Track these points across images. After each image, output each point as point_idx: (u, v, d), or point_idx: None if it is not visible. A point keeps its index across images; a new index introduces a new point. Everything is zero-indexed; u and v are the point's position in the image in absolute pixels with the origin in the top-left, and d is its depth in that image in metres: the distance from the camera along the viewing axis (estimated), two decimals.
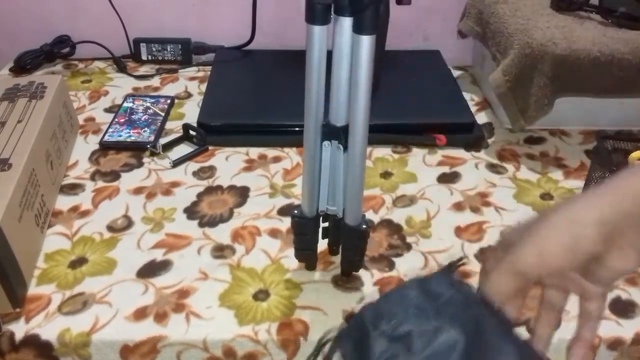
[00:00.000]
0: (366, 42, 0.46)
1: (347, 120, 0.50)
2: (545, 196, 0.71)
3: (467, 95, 0.90)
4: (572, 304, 0.57)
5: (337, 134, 0.51)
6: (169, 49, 1.01)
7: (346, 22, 0.47)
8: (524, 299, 0.44)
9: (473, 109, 0.88)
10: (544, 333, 0.45)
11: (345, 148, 0.51)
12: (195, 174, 0.75)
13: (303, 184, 0.54)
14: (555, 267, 0.40)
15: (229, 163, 0.77)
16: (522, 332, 0.54)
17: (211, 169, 0.76)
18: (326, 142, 0.52)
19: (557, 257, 0.39)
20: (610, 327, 0.55)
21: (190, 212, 0.68)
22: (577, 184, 0.73)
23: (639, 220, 0.38)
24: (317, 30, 0.48)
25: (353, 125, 0.49)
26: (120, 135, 0.80)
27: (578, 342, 0.44)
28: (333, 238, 0.60)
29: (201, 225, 0.66)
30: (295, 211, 0.56)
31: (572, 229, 0.38)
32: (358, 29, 0.46)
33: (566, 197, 0.40)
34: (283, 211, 0.68)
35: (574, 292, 0.43)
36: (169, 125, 0.84)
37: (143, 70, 1.00)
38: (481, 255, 0.58)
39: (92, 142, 0.80)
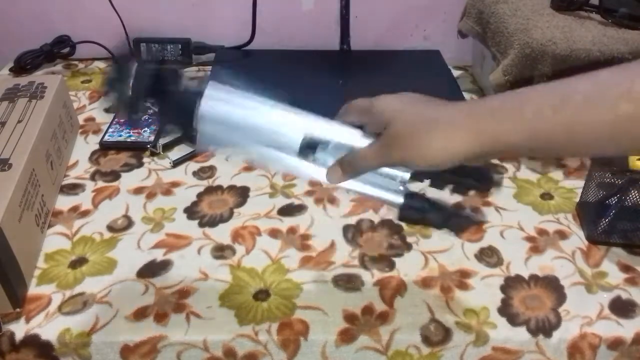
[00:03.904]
0: None
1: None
2: (545, 196, 0.71)
3: (467, 95, 0.90)
4: (572, 304, 0.57)
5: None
6: (169, 49, 1.01)
7: None
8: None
9: None
10: None
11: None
12: (195, 174, 0.75)
13: None
14: (411, 168, 0.46)
15: (229, 163, 0.77)
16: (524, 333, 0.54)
17: (211, 169, 0.76)
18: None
19: (417, 167, 0.45)
20: (611, 327, 0.55)
21: (191, 212, 0.68)
22: (577, 183, 0.73)
23: (498, 154, 0.45)
24: None
25: None
26: (120, 135, 0.80)
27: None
28: None
29: (201, 225, 0.66)
30: None
31: (440, 155, 0.42)
32: None
33: (444, 108, 0.44)
34: (283, 211, 0.68)
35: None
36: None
37: None
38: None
39: (92, 142, 0.80)
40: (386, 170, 0.48)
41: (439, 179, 0.49)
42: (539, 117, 0.40)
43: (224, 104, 0.51)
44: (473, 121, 0.42)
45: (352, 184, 0.49)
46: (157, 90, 0.49)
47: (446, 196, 0.49)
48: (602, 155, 0.48)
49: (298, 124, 0.51)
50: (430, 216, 0.47)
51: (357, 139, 0.48)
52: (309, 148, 0.50)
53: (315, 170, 0.49)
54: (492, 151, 0.42)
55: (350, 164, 0.47)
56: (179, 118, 0.50)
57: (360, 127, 0.49)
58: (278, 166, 0.52)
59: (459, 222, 0.50)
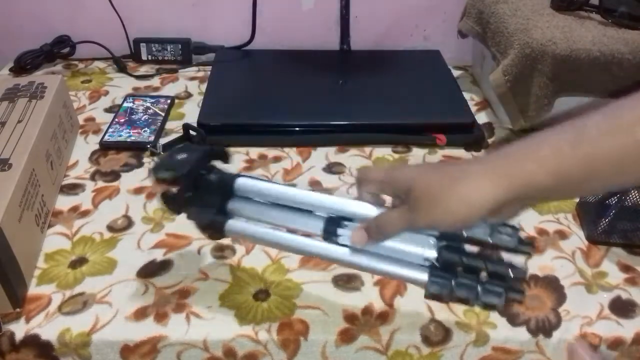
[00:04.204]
0: None
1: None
2: None
3: (467, 95, 0.90)
4: (572, 304, 0.57)
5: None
6: (169, 49, 1.01)
7: None
8: None
9: (473, 109, 0.88)
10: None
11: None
12: None
13: None
14: (440, 229, 0.46)
15: (228, 163, 0.77)
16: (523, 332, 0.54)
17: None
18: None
19: (447, 228, 0.45)
20: (611, 327, 0.55)
21: None
22: None
23: (524, 200, 0.43)
24: None
25: None
26: (120, 135, 0.80)
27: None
28: None
29: None
30: None
31: (465, 210, 0.42)
32: None
33: (461, 164, 0.45)
34: None
35: None
36: (169, 125, 0.84)
37: (143, 70, 1.00)
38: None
39: (92, 142, 0.80)
40: (411, 247, 0.48)
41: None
42: (558, 154, 0.40)
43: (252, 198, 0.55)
44: (493, 168, 0.42)
45: (375, 263, 0.49)
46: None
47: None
48: (628, 185, 0.48)
49: (319, 207, 0.52)
50: (459, 292, 0.46)
51: (372, 212, 0.48)
52: (332, 229, 0.50)
53: (341, 252, 0.50)
54: (516, 196, 0.41)
55: (376, 229, 0.47)
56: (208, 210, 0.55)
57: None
58: (305, 253, 0.53)
59: (490, 296, 0.47)
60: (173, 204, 0.56)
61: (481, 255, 0.48)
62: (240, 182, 0.54)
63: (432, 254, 0.47)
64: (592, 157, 0.39)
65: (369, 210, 0.49)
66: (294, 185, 0.54)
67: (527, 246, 0.46)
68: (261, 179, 0.54)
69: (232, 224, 0.54)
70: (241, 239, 0.57)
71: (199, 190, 0.54)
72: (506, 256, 0.48)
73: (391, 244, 0.48)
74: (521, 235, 0.46)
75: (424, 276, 0.47)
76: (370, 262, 0.49)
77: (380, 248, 0.49)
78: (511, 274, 0.47)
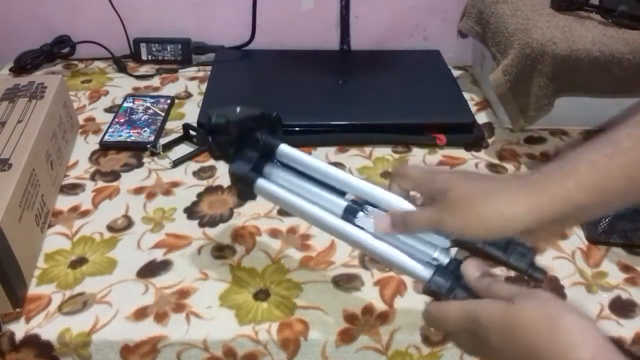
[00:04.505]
0: None
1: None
2: None
3: (467, 95, 0.90)
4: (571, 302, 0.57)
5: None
6: (169, 49, 1.01)
7: None
8: None
9: (473, 109, 0.88)
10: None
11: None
12: (195, 174, 0.75)
13: None
14: (467, 237, 0.44)
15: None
16: None
17: (211, 169, 0.76)
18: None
19: (474, 237, 0.43)
20: (611, 327, 0.55)
21: (190, 212, 0.68)
22: None
23: (564, 222, 0.42)
24: None
25: None
26: (120, 135, 0.80)
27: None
28: None
29: (201, 225, 0.66)
30: None
31: (499, 223, 0.41)
32: None
33: (505, 179, 0.46)
34: (283, 211, 0.68)
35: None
36: (169, 125, 0.84)
37: (143, 70, 1.00)
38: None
39: (92, 142, 0.80)
40: (423, 244, 0.48)
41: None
42: (595, 169, 0.40)
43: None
44: (533, 185, 0.41)
45: (384, 248, 0.49)
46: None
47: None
48: None
49: (350, 187, 0.53)
50: (456, 295, 0.45)
51: (401, 205, 0.49)
52: (353, 210, 0.51)
53: (356, 233, 0.50)
54: (554, 216, 0.41)
55: (402, 221, 0.47)
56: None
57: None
58: (321, 226, 0.53)
59: None
60: (217, 149, 0.58)
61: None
62: (283, 148, 0.56)
63: (443, 256, 0.47)
64: (628, 166, 0.40)
65: (397, 201, 0.49)
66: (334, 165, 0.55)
67: (539, 272, 0.45)
68: (303, 153, 0.55)
69: (263, 182, 0.55)
70: (267, 198, 0.57)
71: (244, 144, 0.56)
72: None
73: (406, 238, 0.48)
74: (535, 259, 0.45)
75: (428, 273, 0.46)
76: (379, 248, 0.49)
77: (393, 239, 0.49)
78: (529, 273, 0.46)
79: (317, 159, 0.54)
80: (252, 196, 0.57)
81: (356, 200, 0.52)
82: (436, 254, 0.47)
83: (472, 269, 0.44)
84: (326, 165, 0.54)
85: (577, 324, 0.36)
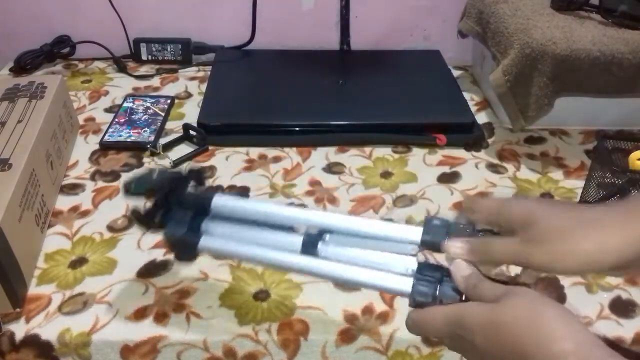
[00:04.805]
0: None
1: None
2: (546, 196, 0.71)
3: (467, 95, 0.90)
4: (572, 304, 0.57)
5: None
6: (169, 49, 1.01)
7: None
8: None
9: (473, 108, 0.88)
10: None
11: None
12: None
13: None
14: (555, 273, 0.41)
15: (229, 163, 0.77)
16: None
17: (211, 169, 0.76)
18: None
19: (566, 272, 0.42)
20: (611, 327, 0.55)
21: None
22: (577, 183, 0.73)
23: None
24: None
25: None
26: (120, 135, 0.80)
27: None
28: None
29: None
30: None
31: (595, 257, 0.39)
32: None
33: (597, 209, 0.42)
34: None
35: (528, 279, 0.47)
36: (169, 125, 0.84)
37: (143, 70, 1.00)
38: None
39: (92, 142, 0.80)
40: (393, 258, 0.47)
41: None
42: None
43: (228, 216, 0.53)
44: (624, 214, 0.39)
45: (358, 273, 0.47)
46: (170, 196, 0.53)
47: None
48: None
49: (298, 220, 0.50)
50: (442, 299, 0.43)
51: (358, 225, 0.48)
52: (310, 244, 0.49)
53: (321, 265, 0.48)
54: None
55: (484, 250, 0.44)
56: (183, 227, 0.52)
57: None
58: (284, 268, 0.52)
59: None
60: (143, 219, 0.55)
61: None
62: (217, 199, 0.53)
63: (413, 263, 0.46)
64: None
65: (352, 221, 0.48)
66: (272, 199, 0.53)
67: (529, 276, 0.46)
68: (238, 196, 0.53)
69: (206, 240, 0.52)
70: (215, 256, 0.56)
71: (172, 206, 0.53)
72: None
73: (373, 254, 0.47)
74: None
75: (408, 285, 0.44)
76: (354, 274, 0.47)
77: (360, 259, 0.48)
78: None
79: (256, 201, 0.53)
80: (193, 257, 0.55)
81: (310, 233, 0.49)
82: (408, 263, 0.46)
83: (461, 268, 0.43)
84: (267, 204, 0.51)
85: (560, 316, 0.35)
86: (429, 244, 0.46)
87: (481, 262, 0.45)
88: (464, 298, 0.42)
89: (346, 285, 0.54)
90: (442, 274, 0.44)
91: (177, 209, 0.53)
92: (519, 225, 0.42)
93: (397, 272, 0.46)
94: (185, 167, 0.56)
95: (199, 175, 0.56)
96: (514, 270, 0.47)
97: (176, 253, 0.56)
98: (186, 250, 0.54)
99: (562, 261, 0.39)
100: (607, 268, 0.39)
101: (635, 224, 0.38)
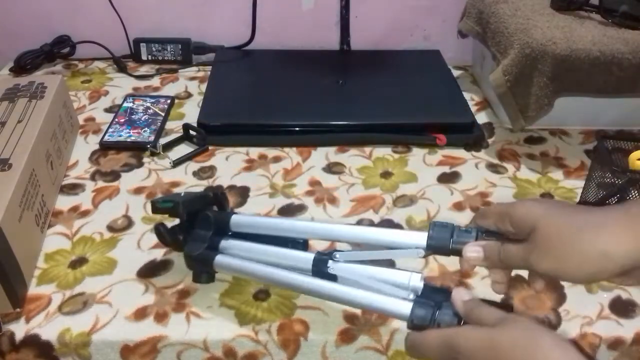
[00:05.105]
0: None
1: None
2: (546, 196, 0.71)
3: (467, 95, 0.90)
4: (572, 304, 0.57)
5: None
6: (169, 49, 1.01)
7: None
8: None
9: (473, 108, 0.88)
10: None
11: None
12: (195, 173, 0.75)
13: None
14: (559, 279, 0.42)
15: (229, 163, 0.77)
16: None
17: (211, 169, 0.76)
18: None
19: (571, 278, 0.41)
20: (611, 327, 0.55)
21: None
22: (577, 183, 0.73)
23: None
24: None
25: None
26: (120, 135, 0.80)
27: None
28: None
29: None
30: None
31: (600, 262, 0.38)
32: None
33: (599, 213, 0.41)
34: (283, 211, 0.68)
35: (537, 286, 0.46)
36: (169, 125, 0.84)
37: (143, 70, 1.00)
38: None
39: (92, 142, 0.80)
40: (394, 278, 0.48)
41: None
42: None
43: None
44: (628, 218, 0.38)
45: (360, 294, 0.49)
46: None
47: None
48: None
49: (307, 233, 0.54)
50: (440, 322, 0.44)
51: (364, 233, 0.50)
52: (321, 262, 0.51)
53: (326, 287, 0.50)
54: None
55: (497, 255, 0.44)
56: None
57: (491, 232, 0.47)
58: (297, 289, 0.54)
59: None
60: (166, 237, 0.58)
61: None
62: (236, 218, 0.56)
63: (418, 282, 0.48)
64: None
65: (358, 232, 0.51)
66: (288, 216, 0.58)
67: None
68: (256, 216, 0.56)
69: (222, 258, 0.55)
70: (229, 272, 0.58)
71: (194, 225, 0.57)
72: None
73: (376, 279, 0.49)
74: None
75: (407, 308, 0.45)
76: (356, 295, 0.49)
77: (366, 282, 0.49)
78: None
79: (272, 217, 0.56)
80: (211, 278, 0.57)
81: (322, 252, 0.52)
82: (411, 295, 0.47)
83: (461, 293, 0.43)
84: (282, 219, 0.55)
85: (557, 346, 0.36)
86: (435, 248, 0.47)
87: (495, 267, 0.45)
88: (462, 323, 0.43)
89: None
90: (443, 297, 0.45)
91: (198, 229, 0.57)
92: (523, 230, 0.42)
93: (398, 295, 0.47)
94: (209, 191, 0.61)
95: (221, 198, 0.60)
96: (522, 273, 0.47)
97: (193, 273, 0.58)
98: (203, 268, 0.57)
99: (566, 268, 0.39)
100: (612, 274, 0.38)
101: (636, 227, 0.38)
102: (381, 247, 0.50)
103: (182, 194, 0.58)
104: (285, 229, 0.55)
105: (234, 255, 0.56)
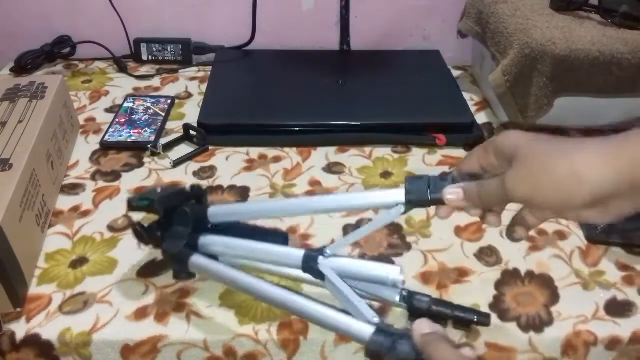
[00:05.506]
0: None
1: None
2: None
3: (467, 95, 0.90)
4: (569, 302, 0.57)
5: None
6: (169, 49, 1.01)
7: None
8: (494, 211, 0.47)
9: (473, 109, 0.88)
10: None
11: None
12: (195, 174, 0.75)
13: None
14: (539, 208, 0.42)
15: (229, 163, 0.77)
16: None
17: (211, 169, 0.76)
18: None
19: (547, 205, 0.40)
20: (609, 327, 0.55)
21: None
22: None
23: (636, 189, 0.38)
24: None
25: None
26: (120, 135, 0.80)
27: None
28: None
29: None
30: None
31: (572, 184, 0.38)
32: None
33: (581, 139, 0.41)
34: None
35: (534, 213, 0.46)
36: (169, 125, 0.84)
37: (143, 70, 1.00)
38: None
39: (93, 142, 0.80)
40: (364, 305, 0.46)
41: (438, 317, 0.48)
42: None
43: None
44: (610, 147, 0.38)
45: (325, 312, 0.47)
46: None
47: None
48: None
49: (292, 210, 0.54)
50: (399, 353, 0.42)
51: (343, 200, 0.50)
52: (311, 258, 0.50)
53: (297, 300, 0.49)
54: (630, 179, 0.37)
55: (476, 193, 0.44)
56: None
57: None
58: (265, 297, 0.52)
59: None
60: (143, 235, 0.57)
61: (448, 303, 0.48)
62: (212, 209, 0.56)
63: (398, 276, 0.48)
64: None
65: (337, 199, 0.51)
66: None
67: (485, 317, 0.47)
68: (233, 203, 0.54)
69: (198, 258, 0.54)
70: (206, 273, 0.56)
71: (172, 222, 0.56)
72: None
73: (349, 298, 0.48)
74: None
75: (369, 332, 0.44)
76: (320, 312, 0.47)
77: (352, 276, 0.48)
78: (475, 319, 0.48)
79: (247, 202, 0.55)
80: (190, 275, 0.56)
81: (311, 248, 0.51)
82: (375, 318, 0.45)
83: (422, 326, 0.42)
84: (257, 202, 0.53)
85: None
86: (414, 202, 0.47)
87: (475, 206, 0.46)
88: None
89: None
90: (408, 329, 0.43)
91: (177, 225, 0.56)
92: (505, 159, 0.42)
93: (364, 318, 0.45)
94: (187, 185, 0.59)
95: (199, 193, 0.58)
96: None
97: (173, 270, 0.57)
98: (180, 267, 0.56)
99: (540, 192, 0.39)
100: (585, 200, 0.38)
101: (616, 154, 0.37)
102: (361, 210, 0.50)
103: (159, 190, 0.57)
104: (262, 210, 0.54)
105: (215, 252, 0.55)
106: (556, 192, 0.38)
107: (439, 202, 0.46)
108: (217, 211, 0.56)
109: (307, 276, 0.51)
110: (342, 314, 0.46)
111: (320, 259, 0.49)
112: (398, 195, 0.47)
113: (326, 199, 0.52)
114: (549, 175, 0.38)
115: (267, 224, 0.66)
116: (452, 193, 0.45)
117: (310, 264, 0.50)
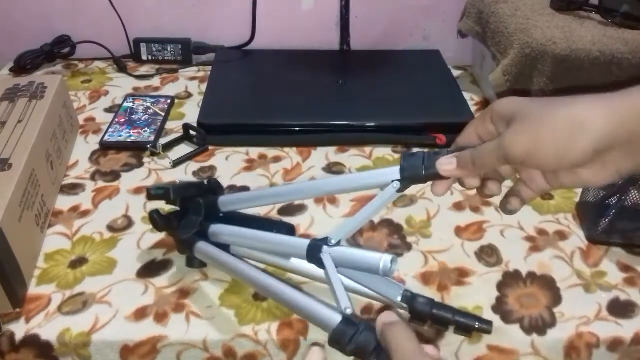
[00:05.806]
0: None
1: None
2: (545, 196, 0.71)
3: (467, 95, 0.90)
4: (571, 304, 0.57)
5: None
6: (169, 49, 1.01)
7: None
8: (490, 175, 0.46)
9: (473, 108, 0.88)
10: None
11: None
12: (195, 173, 0.75)
13: None
14: (537, 166, 0.41)
15: (229, 163, 0.77)
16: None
17: (211, 169, 0.76)
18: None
19: (545, 160, 0.39)
20: (610, 328, 0.55)
21: None
22: None
23: (635, 142, 0.37)
24: None
25: None
26: (120, 135, 0.80)
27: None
28: None
29: None
30: None
31: (572, 132, 0.37)
32: None
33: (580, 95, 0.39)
34: (283, 211, 0.68)
35: (530, 183, 0.45)
36: (169, 125, 0.84)
37: (143, 70, 1.00)
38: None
39: (93, 142, 0.80)
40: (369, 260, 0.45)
41: (440, 321, 0.47)
42: None
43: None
44: (609, 99, 0.37)
45: (295, 296, 0.47)
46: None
47: None
48: None
49: (302, 193, 0.55)
50: (359, 344, 0.42)
51: (339, 183, 0.50)
52: (316, 248, 0.48)
53: (279, 286, 0.49)
54: (629, 129, 0.36)
55: (470, 160, 0.43)
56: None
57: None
58: (264, 289, 0.51)
59: None
60: (158, 222, 0.59)
61: (450, 308, 0.48)
62: (223, 198, 0.58)
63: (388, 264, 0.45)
64: None
65: (333, 182, 0.52)
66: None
67: (487, 323, 0.46)
68: (241, 192, 0.57)
69: (202, 245, 0.56)
70: (210, 261, 0.57)
71: (186, 211, 0.58)
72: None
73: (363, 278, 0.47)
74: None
75: (334, 322, 0.43)
76: (290, 295, 0.47)
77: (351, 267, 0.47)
78: (477, 326, 0.47)
79: (256, 190, 0.57)
80: (203, 263, 0.58)
81: (316, 238, 0.49)
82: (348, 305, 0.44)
83: (385, 316, 0.41)
84: (265, 190, 0.57)
85: None
86: (409, 178, 0.46)
87: (470, 174, 0.44)
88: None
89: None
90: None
91: (191, 215, 0.58)
92: (503, 122, 0.41)
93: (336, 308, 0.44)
94: (202, 180, 0.62)
95: (216, 186, 0.61)
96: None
97: (187, 258, 0.59)
98: (190, 253, 0.58)
99: (538, 141, 0.38)
100: (586, 152, 0.37)
101: (615, 104, 0.36)
102: (358, 190, 0.50)
103: (177, 181, 0.60)
104: (269, 195, 0.57)
105: (223, 241, 0.56)
106: (555, 141, 0.37)
107: (435, 176, 0.45)
108: (227, 200, 0.58)
109: (311, 271, 0.51)
110: (315, 302, 0.46)
111: (325, 248, 0.48)
112: (394, 173, 0.47)
113: (327, 182, 0.54)
114: (548, 125, 0.37)
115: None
116: (446, 163, 0.44)
117: (314, 252, 0.49)
